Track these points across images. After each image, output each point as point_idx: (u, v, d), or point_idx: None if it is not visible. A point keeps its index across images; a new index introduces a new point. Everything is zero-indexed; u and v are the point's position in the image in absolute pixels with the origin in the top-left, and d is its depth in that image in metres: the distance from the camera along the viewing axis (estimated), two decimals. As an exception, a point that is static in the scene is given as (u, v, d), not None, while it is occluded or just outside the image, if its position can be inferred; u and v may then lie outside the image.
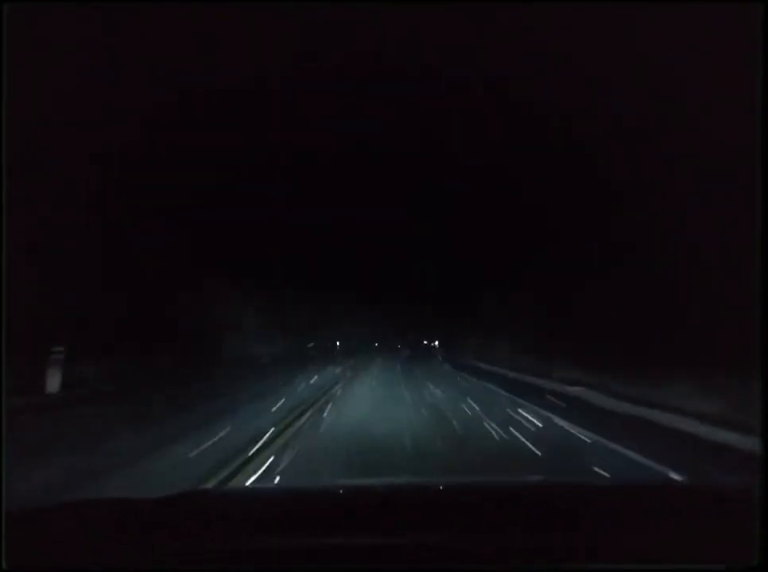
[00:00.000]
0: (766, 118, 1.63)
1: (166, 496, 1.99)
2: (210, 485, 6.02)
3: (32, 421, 10.76)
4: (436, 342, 62.45)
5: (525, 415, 13.01)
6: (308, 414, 12.32)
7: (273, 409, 12.89)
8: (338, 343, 63.78)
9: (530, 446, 9.08)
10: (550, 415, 12.97)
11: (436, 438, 9.68)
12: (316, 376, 23.98)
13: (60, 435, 9.48)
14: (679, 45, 11.48)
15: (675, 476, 6.98)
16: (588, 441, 9.82)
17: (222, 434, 9.45)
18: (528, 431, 10.57)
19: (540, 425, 11.49)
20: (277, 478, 6.43)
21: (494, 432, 10.41)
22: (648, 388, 14.51)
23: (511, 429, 10.77)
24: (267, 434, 9.43)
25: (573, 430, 10.89)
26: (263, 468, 7.20)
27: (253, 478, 6.47)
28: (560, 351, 22.01)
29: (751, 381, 10.11)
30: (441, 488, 2.28)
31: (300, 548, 1.34)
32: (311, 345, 54.83)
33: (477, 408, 14.36)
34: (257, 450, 8.29)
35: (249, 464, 7.39)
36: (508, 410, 14.04)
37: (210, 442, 8.75)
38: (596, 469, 7.30)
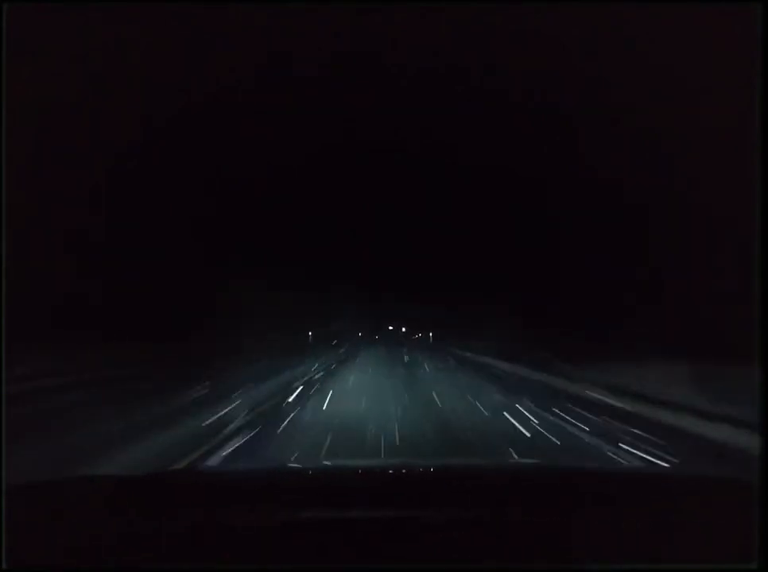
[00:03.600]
0: (766, 119, 1.64)
1: (153, 473, 2.00)
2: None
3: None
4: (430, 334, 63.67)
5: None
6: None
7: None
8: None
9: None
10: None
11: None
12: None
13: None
14: (678, 45, 11.49)
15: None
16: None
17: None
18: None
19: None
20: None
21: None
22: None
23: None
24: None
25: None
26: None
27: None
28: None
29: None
30: (434, 470, 2.29)
31: (287, 524, 1.35)
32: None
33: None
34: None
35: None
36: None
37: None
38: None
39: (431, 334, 63.14)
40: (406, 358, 27.36)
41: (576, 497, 1.76)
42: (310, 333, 44.58)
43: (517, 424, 8.82)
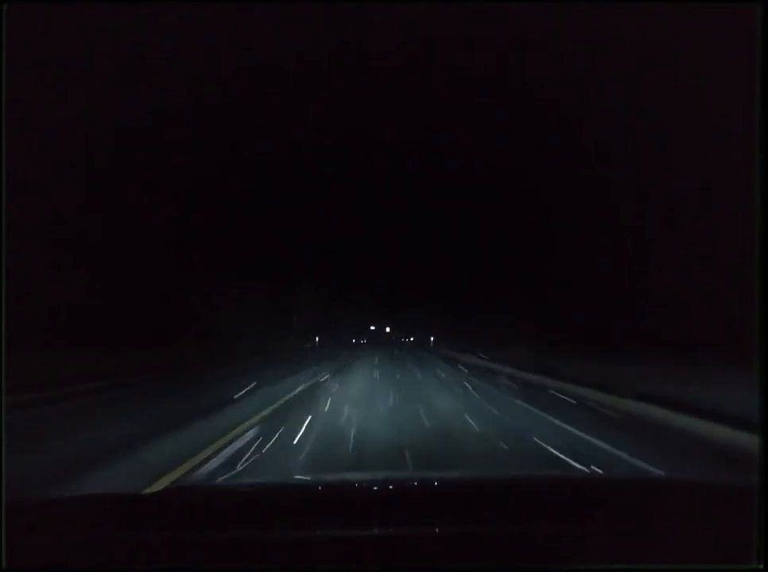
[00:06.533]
0: (766, 120, 1.64)
1: (158, 490, 1.99)
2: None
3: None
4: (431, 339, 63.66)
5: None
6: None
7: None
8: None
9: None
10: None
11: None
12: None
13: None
14: (678, 45, 11.48)
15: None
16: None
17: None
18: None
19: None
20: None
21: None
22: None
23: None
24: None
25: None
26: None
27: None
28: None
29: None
30: (431, 483, 2.29)
31: (290, 541, 1.35)
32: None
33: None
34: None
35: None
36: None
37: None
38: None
39: (432, 338, 62.35)
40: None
41: (574, 504, 1.76)
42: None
43: None
